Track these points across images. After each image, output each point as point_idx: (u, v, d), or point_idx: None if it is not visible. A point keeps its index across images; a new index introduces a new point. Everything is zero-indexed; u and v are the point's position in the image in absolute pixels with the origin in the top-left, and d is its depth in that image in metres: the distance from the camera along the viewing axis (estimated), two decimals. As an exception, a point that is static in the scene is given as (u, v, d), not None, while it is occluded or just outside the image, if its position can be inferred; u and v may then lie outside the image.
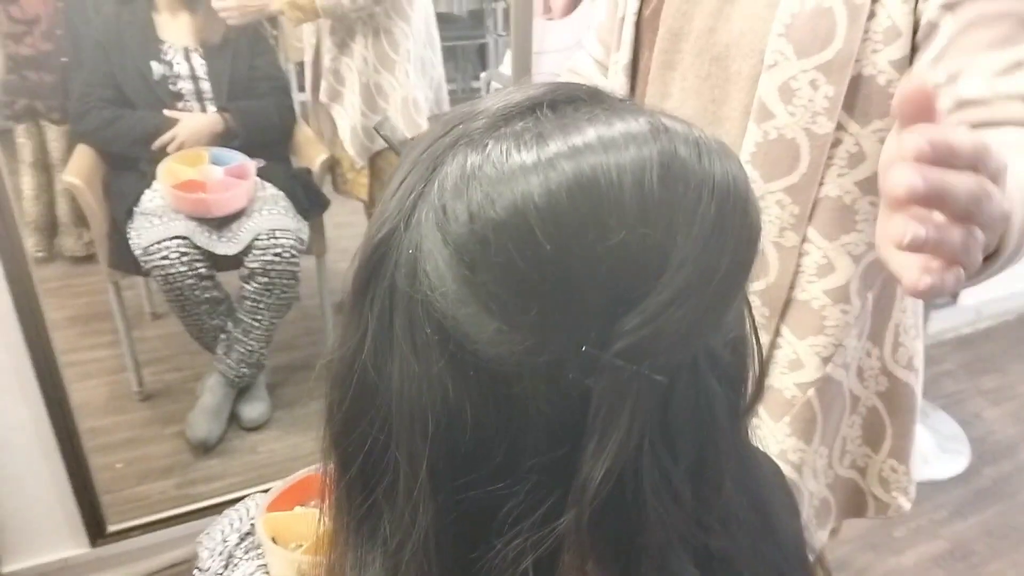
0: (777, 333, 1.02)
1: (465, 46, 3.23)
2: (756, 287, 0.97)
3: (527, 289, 0.41)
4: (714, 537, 0.48)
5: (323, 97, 2.46)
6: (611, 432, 0.42)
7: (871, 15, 0.87)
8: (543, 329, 0.42)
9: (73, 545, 1.97)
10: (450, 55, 3.00)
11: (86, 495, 1.92)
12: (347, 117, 2.43)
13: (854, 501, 1.17)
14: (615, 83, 1.09)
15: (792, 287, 1.00)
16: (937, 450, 2.54)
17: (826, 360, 1.02)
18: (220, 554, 1.36)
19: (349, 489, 0.51)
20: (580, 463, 0.43)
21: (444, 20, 2.73)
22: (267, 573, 1.28)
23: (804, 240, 0.98)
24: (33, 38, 2.57)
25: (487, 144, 0.44)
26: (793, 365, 1.03)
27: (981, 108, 0.80)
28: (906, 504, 1.15)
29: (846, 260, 0.98)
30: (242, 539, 1.38)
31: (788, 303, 1.01)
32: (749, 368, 0.51)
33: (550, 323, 0.42)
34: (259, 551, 1.32)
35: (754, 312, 0.94)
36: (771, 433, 1.06)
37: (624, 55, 1.08)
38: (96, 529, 1.95)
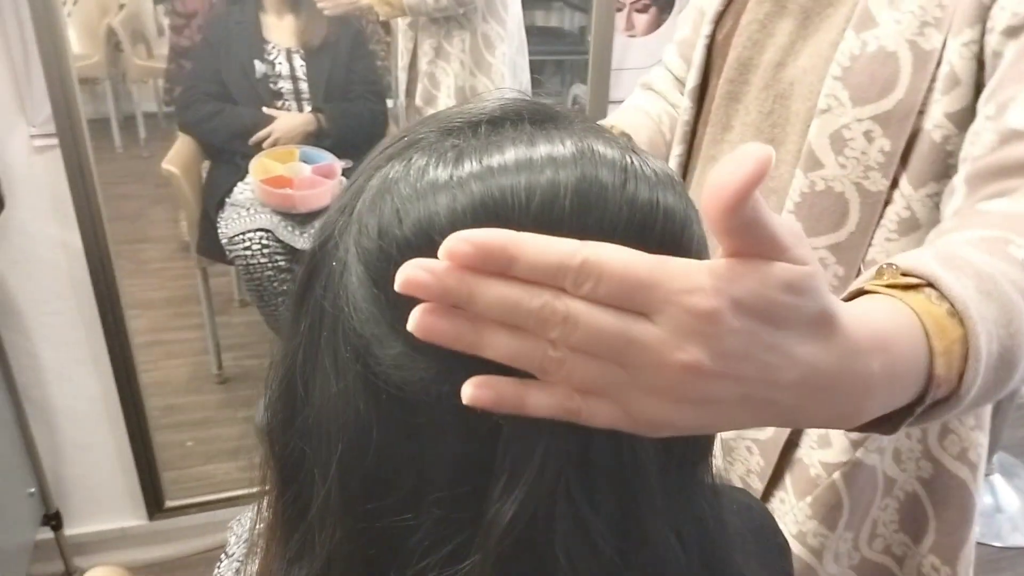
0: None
1: (574, 60, 3.23)
2: (830, 237, 0.88)
3: None
4: None
5: (419, 101, 2.50)
6: (521, 474, 0.40)
7: (939, 63, 0.78)
8: (446, 356, 0.38)
9: (132, 516, 2.07)
10: (557, 68, 3.01)
11: (148, 469, 2.02)
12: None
13: None
14: (683, 106, 1.03)
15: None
16: (1026, 514, 2.39)
17: (856, 444, 0.91)
18: (245, 541, 1.40)
19: (280, 497, 0.50)
20: (487, 504, 0.41)
21: (555, 34, 2.73)
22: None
23: (889, 202, 0.86)
24: (190, 30, 2.74)
25: (411, 158, 0.43)
26: (822, 441, 0.93)
27: None
28: None
29: None
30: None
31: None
32: None
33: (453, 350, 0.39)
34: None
35: (827, 269, 0.87)
36: (791, 511, 0.96)
37: (693, 78, 1.01)
38: (155, 503, 2.05)
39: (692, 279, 0.35)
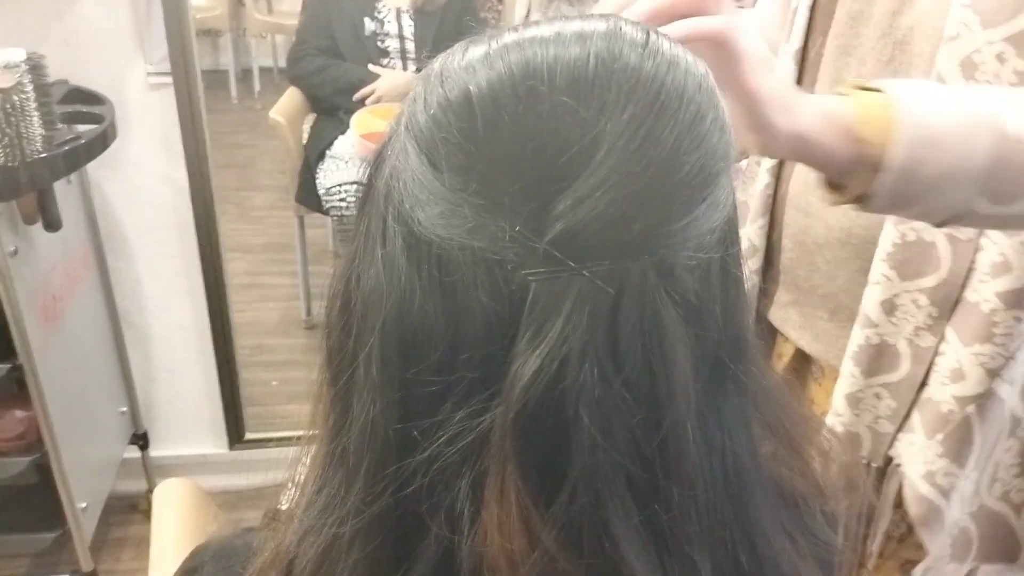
0: (942, 338, 0.91)
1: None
2: (926, 283, 0.88)
3: (466, 164, 0.42)
4: (666, 500, 0.45)
5: None
6: (546, 330, 0.41)
7: None
8: (481, 209, 0.42)
9: (214, 444, 2.17)
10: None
11: (232, 402, 2.11)
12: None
13: (1002, 542, 1.03)
14: (783, 70, 1.02)
15: (964, 286, 0.88)
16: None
17: (992, 373, 0.90)
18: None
19: (328, 389, 0.53)
20: (512, 358, 0.42)
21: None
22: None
23: (981, 234, 0.86)
24: None
25: (453, 50, 0.47)
26: (955, 375, 0.92)
27: None
28: None
29: None
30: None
31: (957, 303, 0.89)
32: (731, 310, 0.48)
33: (487, 202, 0.42)
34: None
35: (921, 311, 0.88)
36: (921, 451, 0.95)
37: (795, 42, 1.01)
38: (236, 434, 2.14)
39: None
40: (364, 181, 0.50)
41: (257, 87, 3.78)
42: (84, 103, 1.66)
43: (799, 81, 1.00)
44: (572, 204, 0.41)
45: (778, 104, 0.66)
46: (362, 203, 0.50)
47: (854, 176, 0.69)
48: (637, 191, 0.41)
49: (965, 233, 0.85)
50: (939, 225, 0.75)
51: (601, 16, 0.46)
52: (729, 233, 0.47)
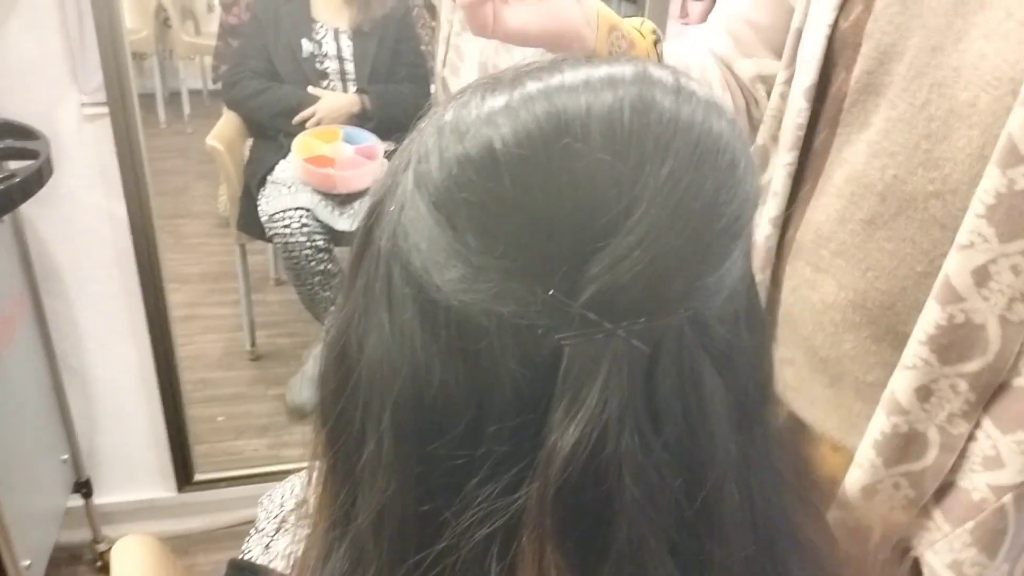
0: (977, 424, 0.83)
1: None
2: (969, 368, 0.79)
3: (492, 226, 0.40)
4: (708, 561, 0.43)
5: (446, 71, 2.49)
6: (583, 396, 0.39)
7: None
8: (509, 273, 0.39)
9: (162, 488, 2.08)
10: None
11: (179, 442, 2.02)
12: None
13: None
14: (794, 107, 0.90)
15: (1012, 369, 0.78)
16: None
17: None
18: (275, 517, 1.40)
19: (332, 466, 0.50)
20: (548, 430, 0.40)
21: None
22: (314, 544, 1.30)
23: None
24: (239, 8, 2.76)
25: (465, 98, 0.43)
26: (989, 463, 0.83)
27: None
28: None
29: None
30: (298, 506, 1.41)
31: (1001, 389, 0.80)
32: (758, 355, 0.47)
33: (516, 265, 0.39)
34: (310, 520, 1.35)
35: (958, 397, 0.81)
36: (947, 539, 0.87)
37: (808, 75, 0.88)
38: (184, 475, 2.06)
39: None
40: (360, 235, 0.46)
41: (187, 110, 3.67)
42: (16, 138, 1.57)
43: (814, 123, 0.89)
44: (609, 264, 0.38)
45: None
46: (358, 259, 0.46)
47: None
48: (678, 247, 0.39)
49: (1018, 315, 0.76)
50: None
51: (629, 60, 0.43)
52: (751, 276, 0.46)
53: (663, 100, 0.41)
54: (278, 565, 1.24)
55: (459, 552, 0.42)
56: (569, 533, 0.41)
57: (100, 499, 2.03)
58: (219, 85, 2.60)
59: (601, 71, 0.42)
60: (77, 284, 1.84)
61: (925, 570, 0.89)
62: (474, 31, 0.77)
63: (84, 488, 1.98)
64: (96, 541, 2.02)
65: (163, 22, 3.50)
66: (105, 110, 1.67)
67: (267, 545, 1.34)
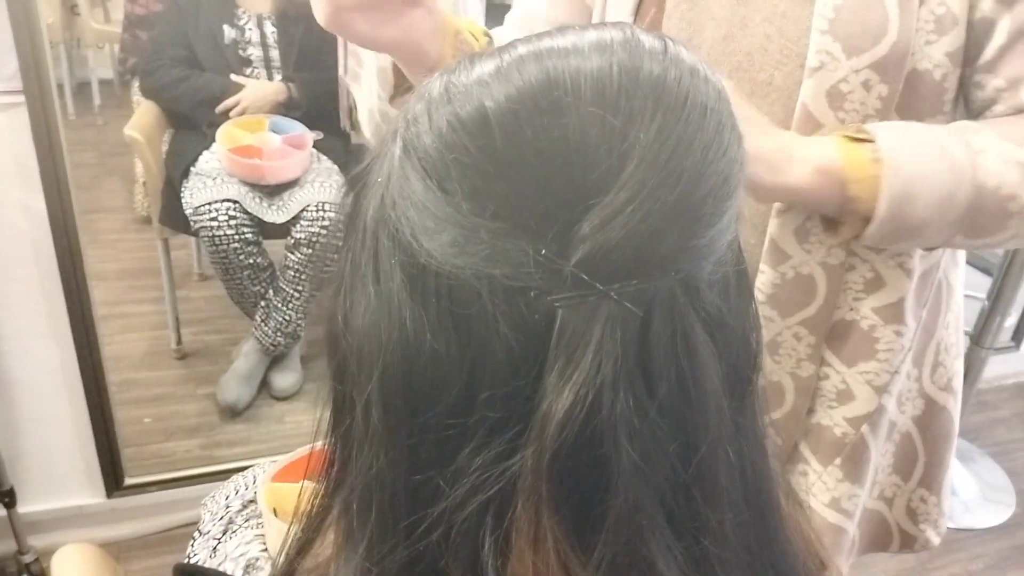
0: (823, 362, 0.92)
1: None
2: (805, 314, 0.88)
3: (483, 186, 0.40)
4: (703, 527, 0.43)
5: (348, 76, 2.44)
6: (577, 359, 0.39)
7: (921, 1, 0.78)
8: (501, 234, 0.39)
9: (89, 494, 1.99)
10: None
11: (107, 446, 1.94)
12: (364, 99, 2.42)
13: (878, 534, 1.06)
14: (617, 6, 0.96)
15: (838, 306, 0.89)
16: (980, 498, 2.43)
17: (879, 390, 0.91)
18: (221, 519, 1.35)
19: (334, 443, 0.49)
20: (542, 394, 0.40)
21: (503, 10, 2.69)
22: (264, 543, 1.26)
23: (850, 254, 0.87)
24: None
25: (454, 70, 0.44)
26: (842, 397, 0.92)
27: None
28: (935, 539, 1.03)
29: (898, 273, 0.87)
30: (244, 506, 1.36)
31: (834, 326, 0.90)
32: (746, 322, 0.47)
33: (507, 225, 0.39)
34: (259, 520, 1.30)
35: (801, 343, 0.89)
36: (818, 480, 0.95)
37: None
38: (113, 480, 1.98)
39: None
40: (344, 213, 0.46)
41: (97, 101, 3.52)
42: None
43: (639, 11, 0.94)
44: (601, 222, 0.39)
45: (764, 166, 0.75)
46: (344, 236, 0.46)
47: (847, 222, 0.80)
48: (669, 205, 0.39)
49: (836, 257, 0.88)
50: (926, 250, 0.85)
51: (615, 25, 0.44)
52: (739, 244, 0.47)
53: (651, 63, 0.41)
54: (228, 568, 1.20)
55: (453, 522, 0.42)
56: (565, 499, 0.40)
57: (24, 508, 1.93)
58: (138, 72, 2.48)
59: (591, 35, 0.42)
60: (-6, 284, 1.75)
61: (814, 518, 0.96)
62: (321, 21, 0.78)
63: (7, 497, 1.87)
64: (21, 552, 1.92)
65: (70, 9, 3.35)
66: (21, 99, 1.59)
67: (214, 548, 1.29)
